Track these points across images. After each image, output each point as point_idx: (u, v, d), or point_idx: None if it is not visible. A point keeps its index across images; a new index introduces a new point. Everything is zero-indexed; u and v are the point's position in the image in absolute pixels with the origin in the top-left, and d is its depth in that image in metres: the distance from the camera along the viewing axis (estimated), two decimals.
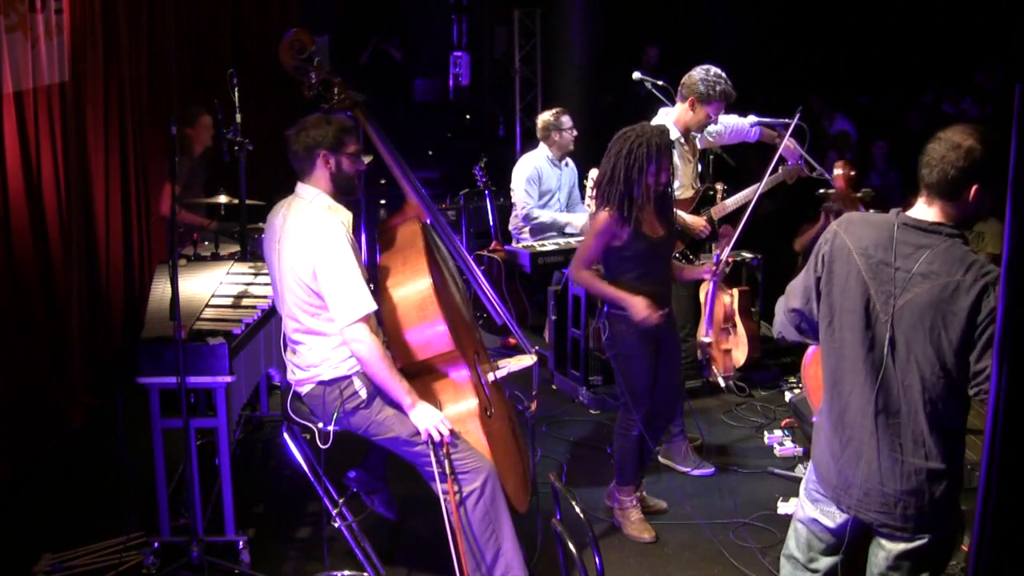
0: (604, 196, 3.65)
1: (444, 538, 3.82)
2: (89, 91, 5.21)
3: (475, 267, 3.76)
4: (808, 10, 9.88)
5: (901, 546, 2.36)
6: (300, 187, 3.24)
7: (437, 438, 3.09)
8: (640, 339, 3.72)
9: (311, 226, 3.11)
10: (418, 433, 3.14)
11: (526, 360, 3.70)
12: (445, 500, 3.10)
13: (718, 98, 4.30)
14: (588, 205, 4.95)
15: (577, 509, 2.57)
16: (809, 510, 2.52)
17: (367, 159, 3.30)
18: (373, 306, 3.08)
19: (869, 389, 2.31)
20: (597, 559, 2.60)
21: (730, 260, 4.43)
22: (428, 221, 3.56)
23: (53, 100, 4.76)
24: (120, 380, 4.62)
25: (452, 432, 3.13)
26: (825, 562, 2.52)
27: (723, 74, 4.33)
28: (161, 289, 3.90)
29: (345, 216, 3.21)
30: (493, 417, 3.40)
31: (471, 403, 3.31)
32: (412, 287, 3.26)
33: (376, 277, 3.32)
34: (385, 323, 3.25)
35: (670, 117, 4.48)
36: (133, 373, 3.44)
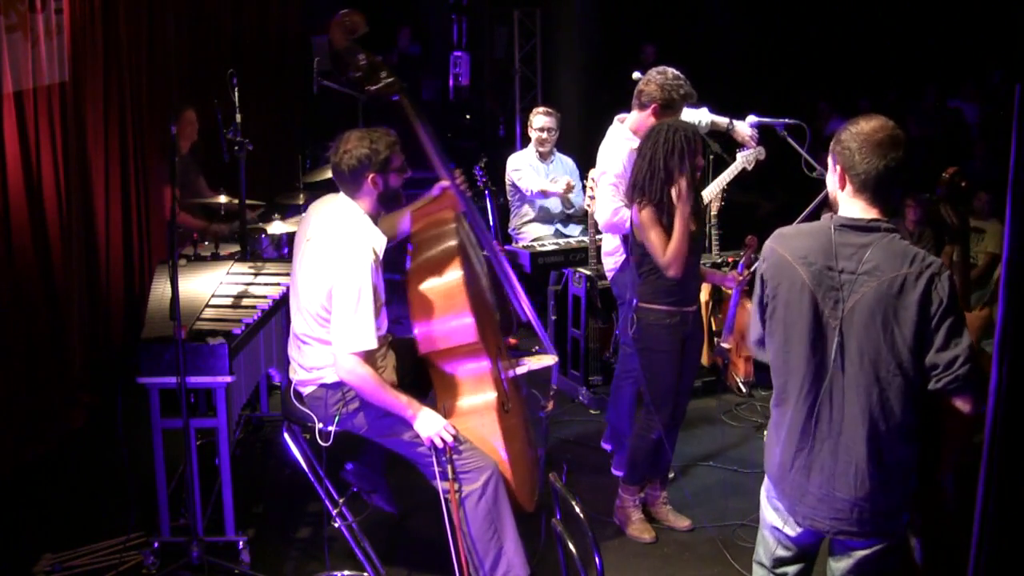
0: (644, 191, 3.61)
1: (445, 538, 3.82)
2: (89, 91, 5.21)
3: (504, 260, 3.75)
4: (807, 10, 9.88)
5: (861, 553, 2.37)
6: (344, 200, 3.22)
7: (440, 445, 3.09)
8: (668, 333, 3.71)
9: (341, 245, 3.09)
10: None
11: (546, 360, 3.71)
12: (446, 501, 3.10)
13: (681, 102, 4.12)
14: (588, 205, 4.94)
15: (577, 509, 2.57)
16: (771, 518, 2.51)
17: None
18: (373, 344, 3.07)
19: (822, 397, 2.29)
20: (597, 559, 2.60)
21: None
22: (463, 211, 3.56)
23: (53, 100, 4.76)
24: (120, 380, 4.61)
25: (456, 437, 3.13)
26: (792, 569, 2.53)
27: (681, 75, 4.13)
28: (161, 289, 3.89)
29: (380, 242, 3.18)
30: (510, 413, 3.40)
31: (490, 396, 3.30)
32: (443, 277, 3.26)
33: (408, 263, 3.33)
34: (412, 309, 3.24)
35: (626, 126, 4.28)
36: (133, 373, 3.44)
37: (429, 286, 3.24)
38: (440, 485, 3.12)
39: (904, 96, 9.65)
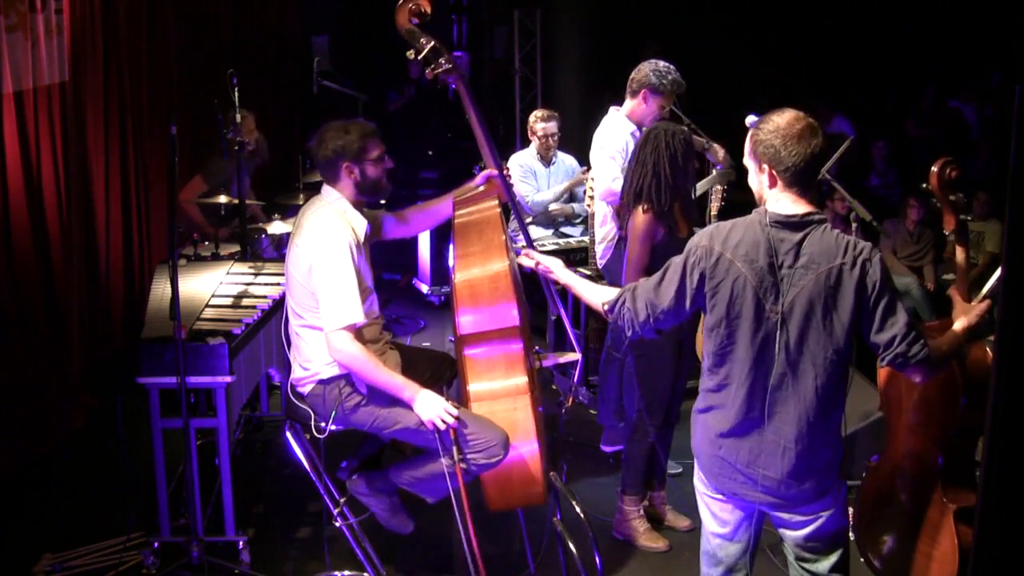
0: (650, 198, 3.59)
1: (445, 537, 3.82)
2: (89, 91, 5.21)
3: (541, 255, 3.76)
4: (808, 9, 9.89)
5: (804, 526, 2.43)
6: (325, 188, 3.29)
7: (443, 427, 3.04)
8: (666, 339, 3.68)
9: (318, 226, 3.14)
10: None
11: (571, 356, 3.72)
12: (455, 491, 3.06)
13: (670, 88, 4.25)
14: (588, 206, 4.94)
15: (577, 509, 2.58)
16: (704, 501, 2.57)
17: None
18: (360, 318, 3.09)
19: (761, 385, 2.35)
20: (597, 559, 2.61)
21: None
22: (505, 202, 3.56)
23: (53, 100, 4.76)
24: (120, 380, 4.62)
25: (459, 418, 3.07)
26: (733, 549, 2.56)
27: (672, 66, 4.28)
28: (161, 289, 3.90)
29: (359, 223, 3.23)
30: (535, 402, 3.40)
31: (521, 380, 3.29)
32: (491, 264, 3.26)
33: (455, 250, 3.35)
34: (457, 293, 3.24)
35: (622, 113, 4.43)
36: (133, 373, 3.44)
37: (476, 272, 3.25)
38: (444, 461, 3.06)
39: (904, 96, 9.65)
